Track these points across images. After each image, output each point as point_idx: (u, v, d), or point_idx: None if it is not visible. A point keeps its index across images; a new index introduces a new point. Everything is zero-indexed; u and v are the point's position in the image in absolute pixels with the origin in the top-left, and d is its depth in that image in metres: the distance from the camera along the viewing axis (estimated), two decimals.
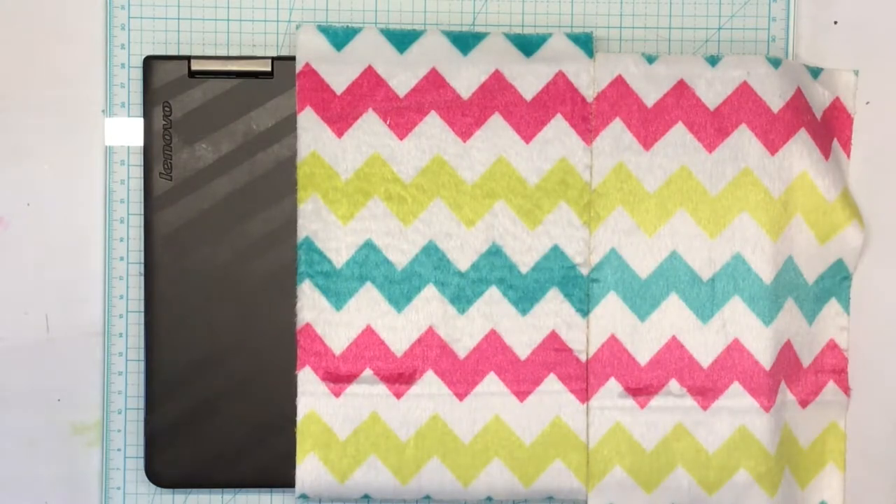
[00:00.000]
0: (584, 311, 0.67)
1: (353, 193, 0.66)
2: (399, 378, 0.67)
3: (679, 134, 0.67)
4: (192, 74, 0.67)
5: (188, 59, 0.67)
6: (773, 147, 0.66)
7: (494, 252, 0.67)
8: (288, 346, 0.67)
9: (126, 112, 0.68)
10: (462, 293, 0.67)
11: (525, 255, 0.67)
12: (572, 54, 0.66)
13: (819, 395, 0.69)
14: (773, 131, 0.66)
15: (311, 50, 0.66)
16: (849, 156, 0.69)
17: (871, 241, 0.69)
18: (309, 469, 0.67)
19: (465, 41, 0.66)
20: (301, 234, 0.66)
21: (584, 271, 0.67)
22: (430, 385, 0.67)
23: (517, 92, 0.66)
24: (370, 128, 0.66)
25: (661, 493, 0.68)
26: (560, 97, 0.66)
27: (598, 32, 0.68)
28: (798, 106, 0.67)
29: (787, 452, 0.68)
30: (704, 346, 0.67)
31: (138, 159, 0.68)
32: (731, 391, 0.67)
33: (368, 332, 0.67)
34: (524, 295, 0.67)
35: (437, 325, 0.67)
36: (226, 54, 0.68)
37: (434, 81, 0.66)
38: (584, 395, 0.67)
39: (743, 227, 0.67)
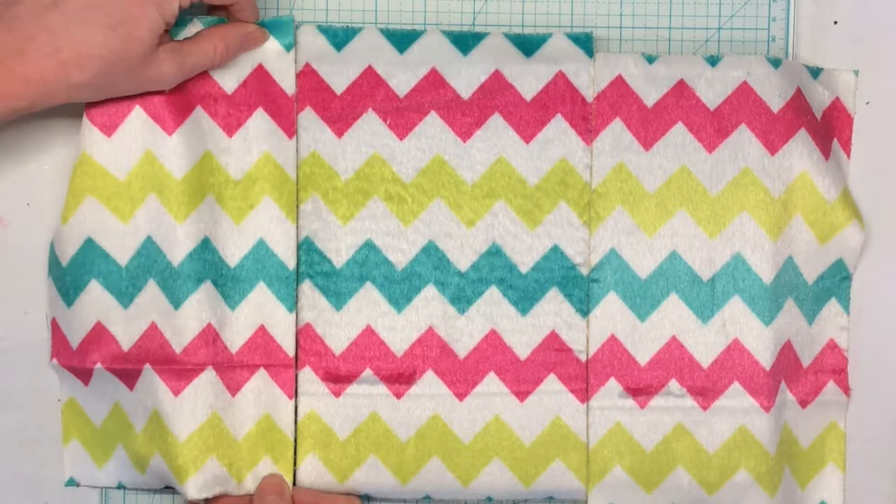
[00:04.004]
0: (584, 311, 0.67)
1: (353, 193, 0.66)
2: (399, 378, 0.67)
3: (679, 134, 0.67)
4: None
5: None
6: (773, 147, 0.66)
7: (494, 252, 0.67)
8: None
9: None
10: (462, 293, 0.67)
11: (525, 255, 0.67)
12: (572, 54, 0.66)
13: (819, 395, 0.69)
14: (773, 131, 0.66)
15: (311, 50, 0.66)
16: (849, 156, 0.69)
17: (871, 241, 0.69)
18: (309, 469, 0.67)
19: (465, 41, 0.66)
20: (301, 234, 0.66)
21: (584, 271, 0.67)
22: (430, 385, 0.67)
23: (517, 92, 0.66)
24: (370, 128, 0.66)
25: (661, 493, 0.68)
26: (560, 97, 0.66)
27: (598, 32, 0.68)
28: (798, 106, 0.67)
29: (787, 452, 0.68)
30: (704, 346, 0.67)
31: None
32: (731, 391, 0.67)
33: (368, 332, 0.67)
34: (524, 295, 0.67)
35: (437, 326, 0.67)
36: None
37: (434, 81, 0.66)
38: (584, 395, 0.67)
39: (743, 227, 0.66)
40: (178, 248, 0.64)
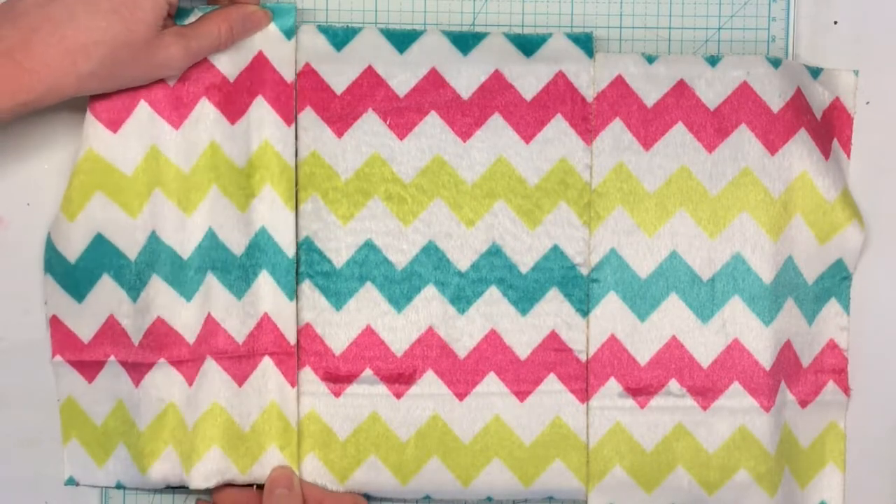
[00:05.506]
0: (584, 311, 0.67)
1: (353, 193, 0.66)
2: (399, 378, 0.67)
3: (679, 134, 0.66)
4: None
5: None
6: (773, 147, 0.66)
7: (494, 252, 0.67)
8: None
9: None
10: (462, 293, 0.67)
11: (525, 255, 0.67)
12: (572, 54, 0.66)
13: (819, 395, 0.69)
14: (773, 131, 0.66)
15: (311, 50, 0.66)
16: (849, 156, 0.69)
17: (871, 241, 0.69)
18: (309, 469, 0.67)
19: (465, 41, 0.66)
20: (301, 234, 0.66)
21: (584, 271, 0.67)
22: (430, 385, 0.67)
23: (517, 92, 0.66)
24: (370, 128, 0.66)
25: (661, 493, 0.68)
26: (560, 97, 0.66)
27: (598, 32, 0.68)
28: (798, 106, 0.67)
29: (787, 452, 0.68)
30: (704, 346, 0.67)
31: None
32: (731, 391, 0.67)
33: (368, 332, 0.67)
34: (524, 295, 0.67)
35: (437, 325, 0.67)
36: None
37: (434, 81, 0.66)
38: (584, 395, 0.67)
39: (743, 227, 0.66)
40: (188, 241, 0.64)
